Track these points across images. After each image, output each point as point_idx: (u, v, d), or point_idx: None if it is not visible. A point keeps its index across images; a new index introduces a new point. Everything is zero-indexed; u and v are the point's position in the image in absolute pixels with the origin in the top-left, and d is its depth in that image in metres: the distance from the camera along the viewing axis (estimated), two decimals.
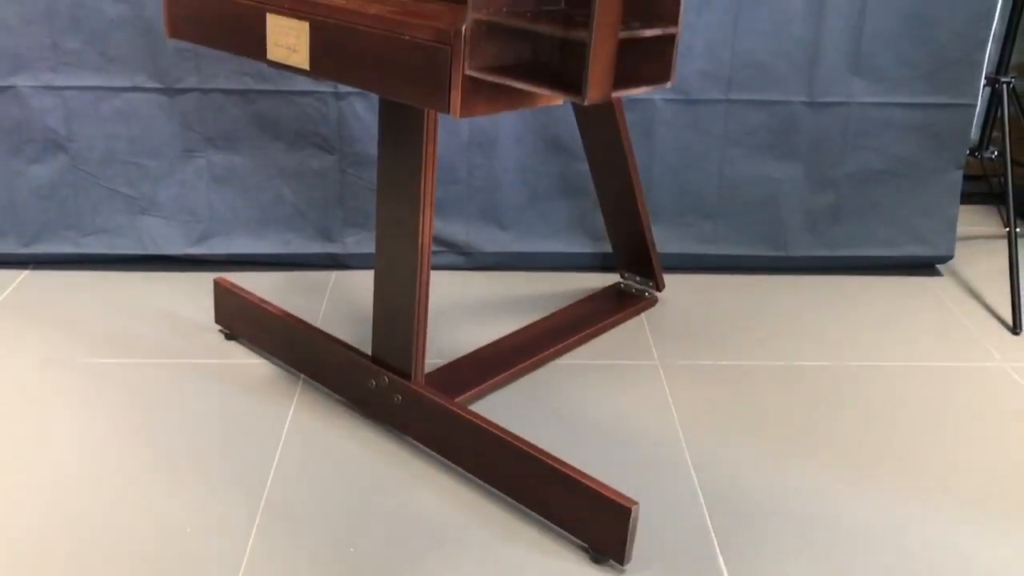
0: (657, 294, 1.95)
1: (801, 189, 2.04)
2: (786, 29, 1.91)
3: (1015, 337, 1.85)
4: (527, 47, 1.06)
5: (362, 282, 2.01)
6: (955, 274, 2.12)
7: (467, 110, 1.05)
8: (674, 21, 1.01)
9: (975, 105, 1.99)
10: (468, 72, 1.02)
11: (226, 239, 2.02)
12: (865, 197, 2.05)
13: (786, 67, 1.94)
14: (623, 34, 0.95)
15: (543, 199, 2.06)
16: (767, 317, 1.92)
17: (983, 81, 1.98)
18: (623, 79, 0.99)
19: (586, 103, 0.93)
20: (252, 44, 1.23)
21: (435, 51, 1.03)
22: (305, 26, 1.15)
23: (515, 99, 1.08)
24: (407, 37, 1.06)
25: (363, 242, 2.04)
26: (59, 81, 1.89)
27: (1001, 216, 2.04)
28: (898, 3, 1.90)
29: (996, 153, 2.08)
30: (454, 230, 2.06)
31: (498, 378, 1.61)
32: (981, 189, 2.34)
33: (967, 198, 2.15)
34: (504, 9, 1.02)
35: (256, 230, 2.03)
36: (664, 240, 2.03)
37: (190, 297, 1.92)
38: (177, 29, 1.34)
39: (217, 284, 1.76)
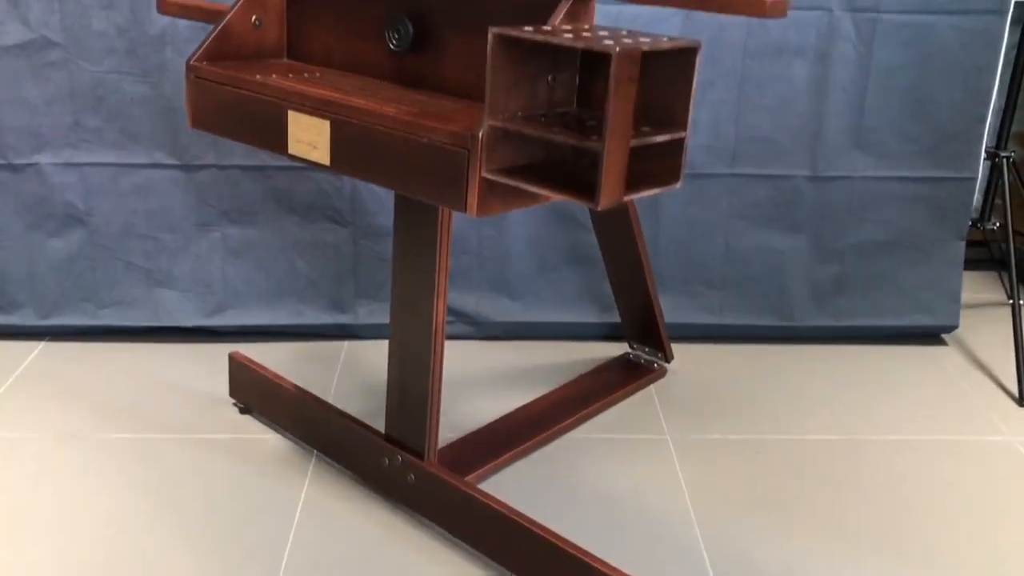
0: (666, 365, 1.97)
1: (806, 260, 2.07)
2: (789, 105, 1.95)
3: (1021, 409, 1.87)
4: (541, 148, 1.09)
5: (374, 352, 2.03)
6: (961, 343, 2.14)
7: (483, 210, 1.08)
8: (683, 126, 1.04)
9: (976, 179, 2.02)
10: (484, 175, 1.05)
11: (240, 311, 2.05)
12: (869, 268, 2.08)
13: (790, 142, 1.98)
14: (634, 142, 0.98)
15: (552, 269, 2.09)
16: (775, 388, 1.94)
17: (983, 155, 2.02)
18: (634, 181, 1.03)
19: (599, 209, 0.96)
20: (274, 138, 1.27)
21: (452, 154, 1.07)
22: (326, 125, 1.19)
23: (529, 198, 1.11)
24: (425, 140, 1.09)
25: (375, 312, 2.07)
26: (79, 158, 1.94)
27: (1004, 284, 2.07)
28: (898, 81, 1.94)
29: (998, 224, 2.12)
30: (465, 300, 2.09)
31: (509, 454, 1.63)
32: (985, 255, 2.37)
33: (971, 264, 2.18)
34: (519, 113, 1.06)
35: (270, 301, 2.06)
36: (671, 310, 2.06)
37: (205, 369, 1.94)
38: (199, 120, 1.39)
39: (232, 358, 1.78)
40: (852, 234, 2.06)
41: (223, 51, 1.40)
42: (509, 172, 1.06)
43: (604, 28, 1.07)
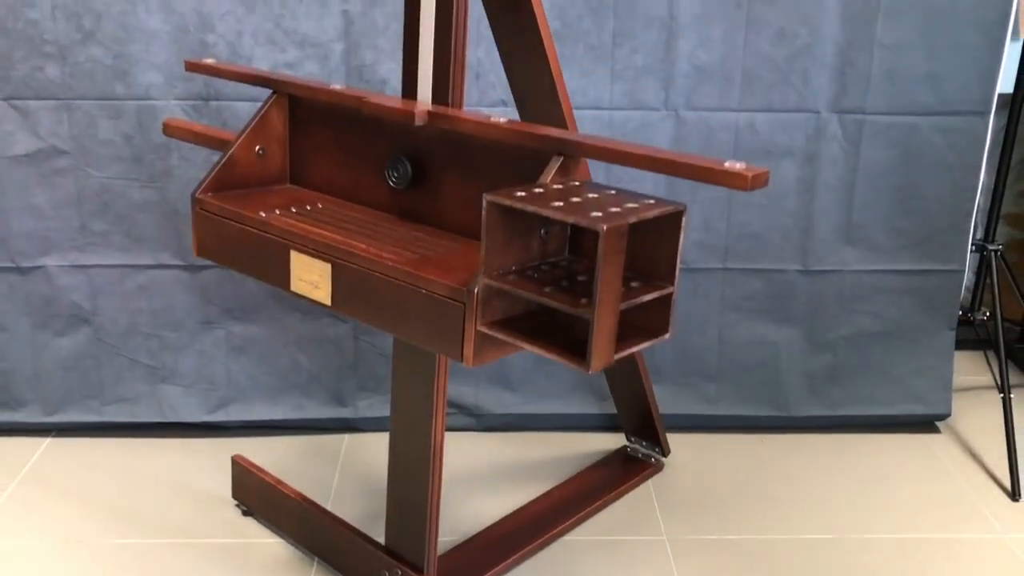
0: (663, 460, 2.00)
1: (799, 351, 2.10)
2: (779, 203, 2.00)
3: (1014, 504, 1.89)
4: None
5: (374, 445, 2.06)
6: (954, 431, 2.17)
7: (479, 360, 1.12)
8: (670, 280, 1.08)
9: (963, 271, 2.06)
10: (479, 328, 1.09)
11: (243, 406, 2.08)
12: (862, 358, 2.11)
13: (780, 238, 2.02)
14: (624, 305, 1.02)
15: (550, 361, 2.12)
16: (770, 482, 1.96)
17: (971, 247, 2.06)
18: (624, 336, 1.06)
19: (589, 372, 1.00)
20: (277, 275, 1.31)
21: (449, 307, 1.11)
22: (328, 268, 1.23)
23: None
24: (423, 291, 1.13)
25: (375, 406, 2.10)
26: (86, 260, 1.98)
27: (992, 370, 2.10)
28: (886, 178, 1.99)
29: (987, 314, 2.15)
30: (464, 391, 2.12)
31: (508, 561, 1.65)
32: (975, 335, 2.40)
33: (961, 344, 2.21)
34: (514, 268, 1.10)
35: (272, 396, 2.09)
36: (667, 401, 2.09)
37: (208, 465, 1.97)
38: (205, 250, 1.43)
39: (235, 461, 1.81)
40: (844, 325, 2.09)
41: (228, 181, 1.44)
42: (504, 325, 1.09)
43: (593, 187, 1.11)
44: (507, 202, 1.02)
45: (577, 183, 1.13)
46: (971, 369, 2.44)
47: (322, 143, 1.47)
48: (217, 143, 1.53)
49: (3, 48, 1.83)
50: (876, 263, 2.05)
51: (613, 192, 1.09)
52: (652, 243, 1.08)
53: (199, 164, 1.91)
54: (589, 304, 1.00)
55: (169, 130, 1.62)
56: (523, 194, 1.05)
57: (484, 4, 1.45)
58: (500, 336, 1.08)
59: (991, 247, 2.08)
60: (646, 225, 1.06)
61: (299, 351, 2.08)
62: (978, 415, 2.22)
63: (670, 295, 1.08)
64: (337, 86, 1.41)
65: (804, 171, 1.98)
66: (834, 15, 1.88)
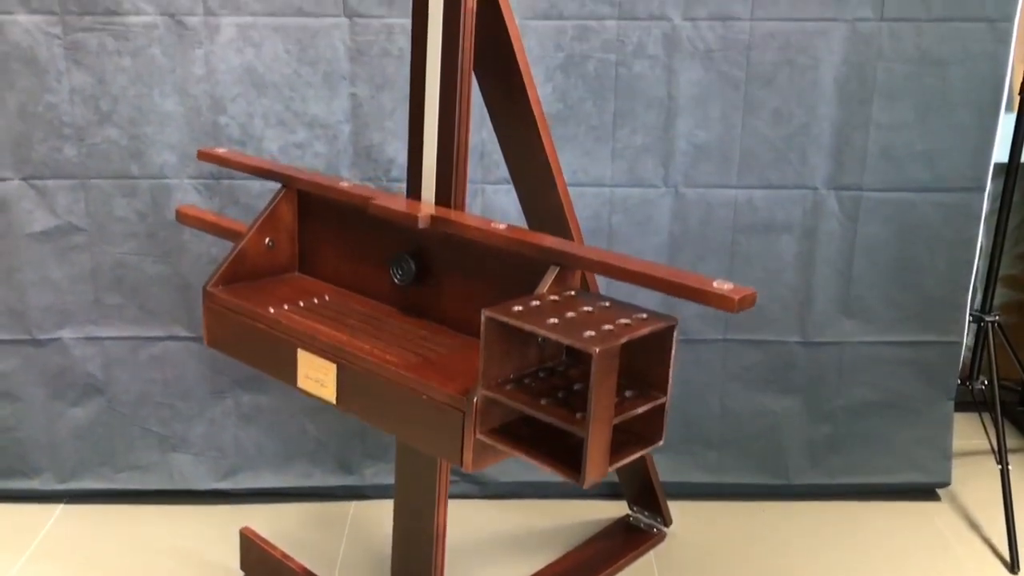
0: (665, 530, 2.03)
1: (800, 420, 2.13)
2: (778, 277, 2.04)
3: None
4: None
5: (380, 512, 2.10)
6: (954, 498, 2.19)
7: (478, 465, 1.15)
8: (663, 390, 1.12)
9: (962, 342, 2.09)
10: (478, 436, 1.13)
11: (252, 473, 2.12)
12: (862, 427, 2.14)
13: (780, 311, 2.06)
14: (618, 419, 1.06)
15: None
16: (772, 551, 1.98)
17: (969, 318, 2.09)
18: (618, 445, 1.10)
19: (584, 487, 1.03)
20: (284, 370, 1.36)
21: (449, 414, 1.15)
22: (333, 368, 1.27)
23: None
24: (424, 397, 1.17)
25: (380, 473, 2.14)
26: (100, 332, 2.03)
27: (989, 439, 2.12)
28: (883, 253, 2.02)
29: (986, 383, 2.17)
30: None
31: None
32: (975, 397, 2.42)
33: (962, 406, 2.23)
34: (511, 376, 1.14)
35: (280, 464, 2.13)
36: (669, 469, 2.12)
37: (218, 534, 2.00)
38: (215, 341, 1.47)
39: (243, 535, 1.85)
40: (844, 395, 2.12)
41: (238, 272, 1.49)
42: (502, 433, 1.13)
43: (588, 299, 1.15)
44: (504, 319, 1.07)
45: (572, 293, 1.17)
46: (971, 432, 2.45)
47: (330, 235, 1.52)
48: (228, 233, 1.58)
49: (23, 131, 1.90)
50: (875, 335, 2.08)
51: (607, 304, 1.13)
52: (646, 353, 1.12)
53: (210, 240, 1.96)
54: (583, 420, 1.03)
55: (183, 218, 1.67)
56: (520, 309, 1.09)
57: (483, 93, 1.50)
58: (498, 446, 1.12)
59: (988, 318, 2.11)
60: (640, 339, 1.10)
61: (306, 419, 2.12)
62: (979, 482, 2.24)
63: (663, 405, 1.12)
64: (345, 183, 1.46)
65: (803, 245, 2.02)
66: (830, 96, 1.92)
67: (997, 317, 2.12)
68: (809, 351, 2.09)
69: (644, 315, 1.10)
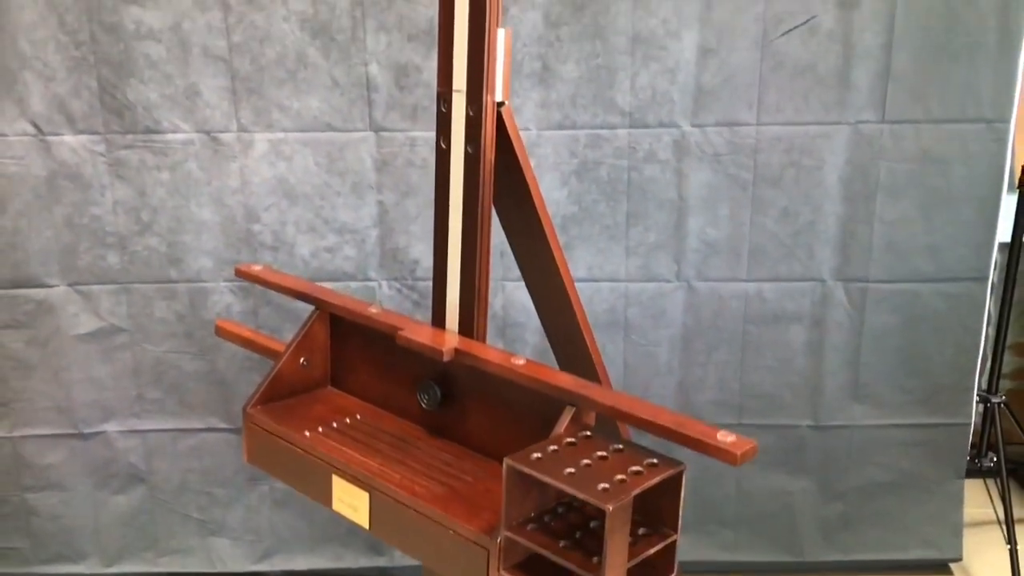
0: None
1: (813, 500, 2.20)
2: (789, 365, 2.11)
3: None
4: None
5: None
6: (965, 572, 2.25)
7: None
8: (675, 527, 1.20)
9: (970, 423, 2.16)
10: (502, 572, 1.22)
11: (286, 556, 2.22)
12: (874, 506, 2.21)
13: (791, 396, 2.14)
14: (632, 563, 1.14)
15: None
16: None
17: (976, 399, 2.16)
18: None
19: None
20: (320, 492, 1.45)
21: (474, 549, 1.23)
22: (366, 496, 1.37)
23: None
24: (451, 531, 1.26)
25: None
26: (142, 425, 2.14)
27: (994, 507, 2.18)
28: (890, 341, 2.10)
29: (995, 460, 2.24)
30: None
31: None
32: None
33: (971, 473, 2.29)
34: (532, 514, 1.23)
35: (312, 546, 2.22)
36: (687, 548, 2.18)
37: None
38: (254, 458, 1.57)
39: None
40: (855, 476, 2.19)
41: (275, 392, 1.58)
42: (525, 568, 1.22)
43: (601, 442, 1.24)
44: (525, 469, 1.15)
45: (588, 435, 1.25)
46: (982, 501, 2.51)
47: (360, 354, 1.62)
48: (265, 350, 1.68)
49: (70, 240, 2.01)
50: (884, 418, 2.15)
51: (620, 448, 1.22)
52: (657, 494, 1.20)
53: None
54: (599, 565, 1.12)
55: (221, 332, 1.77)
56: (539, 456, 1.18)
57: (503, 226, 1.59)
58: None
59: (994, 399, 2.18)
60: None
61: None
62: (990, 554, 2.29)
63: (675, 542, 1.20)
64: (375, 309, 1.56)
65: (812, 334, 2.10)
66: (835, 194, 2.01)
67: (1003, 398, 2.19)
68: (821, 434, 2.16)
69: (655, 460, 1.19)
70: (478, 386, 1.46)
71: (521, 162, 1.46)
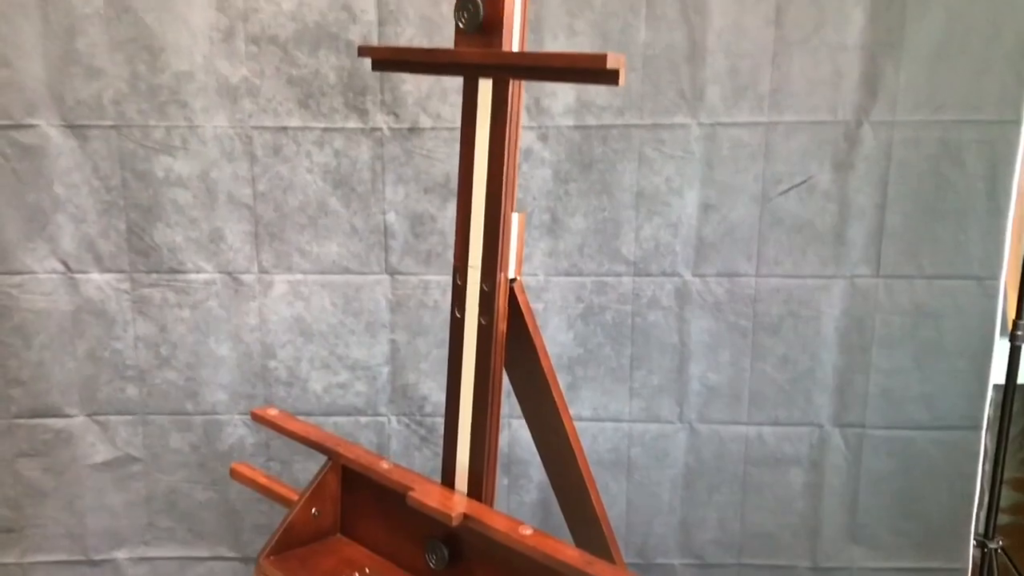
0: None
1: None
2: (788, 507, 2.15)
3: None
4: None
5: None
6: None
7: None
8: None
9: (967, 568, 2.19)
10: None
11: None
12: None
13: (790, 537, 2.17)
14: None
15: None
16: None
17: (973, 543, 2.19)
18: None
19: None
20: None
21: None
22: None
23: None
24: None
25: None
26: (152, 553, 2.18)
27: None
28: (887, 485, 2.14)
29: None
30: None
31: None
32: None
33: None
34: None
35: None
36: None
37: None
38: None
39: None
40: None
41: (287, 542, 1.63)
42: None
43: None
44: None
45: None
46: None
47: (371, 506, 1.67)
48: (278, 497, 1.73)
49: (91, 373, 2.08)
50: (882, 561, 2.18)
51: None
52: None
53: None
54: None
55: (236, 476, 1.82)
56: None
57: (513, 387, 1.65)
58: None
59: (991, 545, 2.21)
60: None
61: None
62: None
63: None
64: (386, 464, 1.61)
65: (810, 477, 2.14)
66: (832, 343, 2.07)
67: (1000, 543, 2.22)
68: (819, 575, 2.19)
69: None
70: (485, 549, 1.50)
71: (532, 333, 1.54)
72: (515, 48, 1.34)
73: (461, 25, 1.34)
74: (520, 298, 1.48)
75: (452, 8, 1.34)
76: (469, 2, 1.33)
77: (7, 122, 1.94)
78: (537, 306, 2.05)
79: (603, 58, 1.20)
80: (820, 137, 1.97)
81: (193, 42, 1.92)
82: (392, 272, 2.05)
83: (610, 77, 1.22)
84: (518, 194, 1.91)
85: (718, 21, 1.91)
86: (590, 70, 1.24)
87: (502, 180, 1.40)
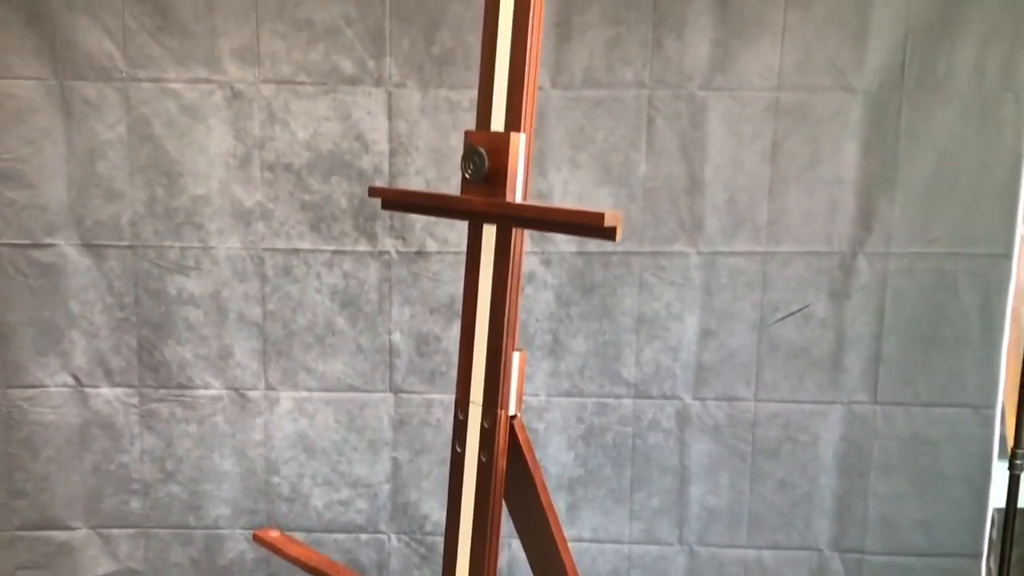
0: None
1: None
2: None
3: None
4: None
5: None
6: None
7: None
8: None
9: None
10: None
11: None
12: None
13: None
14: None
15: None
16: None
17: None
18: None
19: None
20: None
21: None
22: None
23: None
24: None
25: None
26: None
27: None
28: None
29: None
30: None
31: None
32: None
33: None
34: None
35: None
36: None
37: None
38: None
39: None
40: None
41: None
42: None
43: None
44: None
45: None
46: None
47: None
48: None
49: (95, 485, 2.10)
50: None
51: None
52: None
53: None
54: None
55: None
56: None
57: (512, 518, 1.67)
58: None
59: None
60: None
61: None
62: None
63: None
64: None
65: None
66: (830, 468, 2.09)
67: None
68: None
69: None
70: None
71: (531, 470, 1.56)
72: (518, 196, 1.40)
73: (467, 175, 1.41)
74: (520, 435, 1.50)
75: (460, 139, 1.40)
76: (475, 154, 1.39)
77: (27, 241, 2.00)
78: (538, 426, 2.08)
79: (601, 216, 1.26)
80: (816, 267, 2.02)
81: (210, 168, 2.00)
82: (396, 390, 2.08)
83: (607, 233, 1.27)
84: (521, 316, 1.96)
85: (716, 156, 1.98)
86: (589, 226, 1.30)
87: (504, 320, 1.44)
